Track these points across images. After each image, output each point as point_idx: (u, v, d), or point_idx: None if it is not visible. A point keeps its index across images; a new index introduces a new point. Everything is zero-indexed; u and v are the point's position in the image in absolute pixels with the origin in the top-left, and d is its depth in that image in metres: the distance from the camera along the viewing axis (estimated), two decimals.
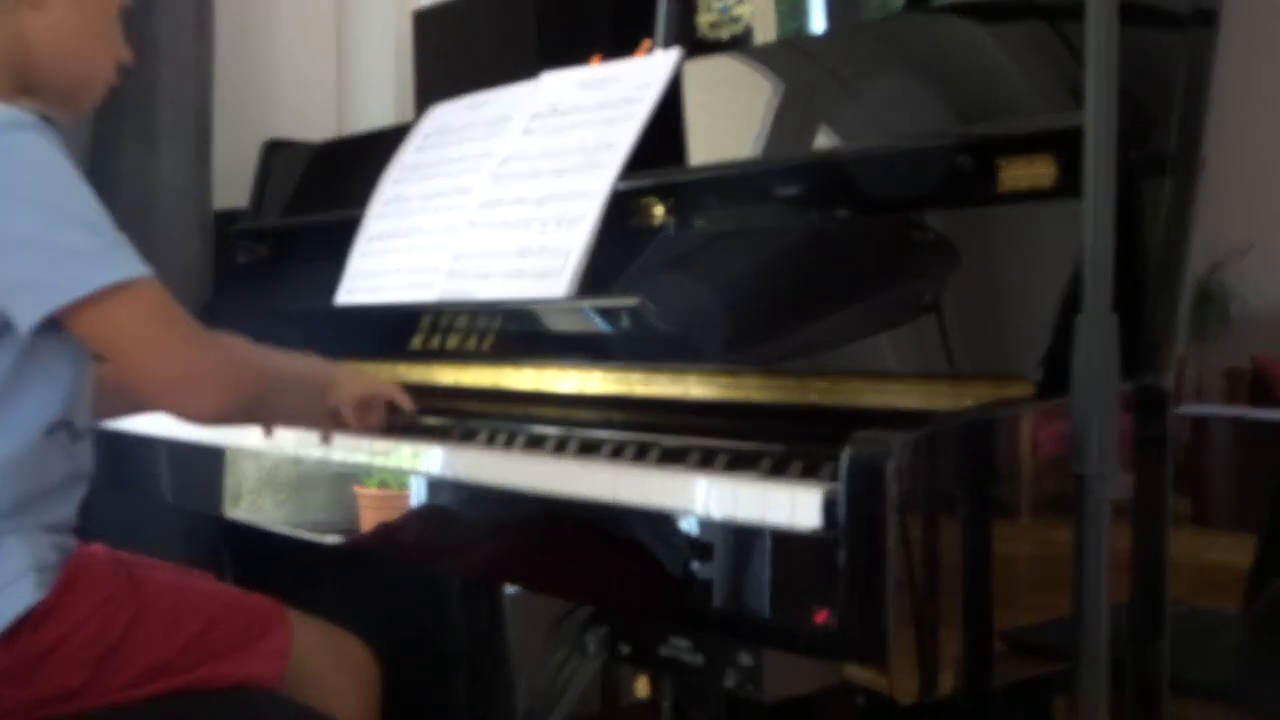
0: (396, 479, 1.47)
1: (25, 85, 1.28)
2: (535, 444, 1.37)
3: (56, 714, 1.21)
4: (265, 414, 1.39)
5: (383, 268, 1.77)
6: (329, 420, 1.42)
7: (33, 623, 1.19)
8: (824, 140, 1.43)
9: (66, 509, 1.29)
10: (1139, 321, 1.12)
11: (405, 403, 1.44)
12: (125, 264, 1.17)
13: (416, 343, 1.69)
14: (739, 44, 1.76)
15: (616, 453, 1.27)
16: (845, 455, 0.98)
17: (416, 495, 1.45)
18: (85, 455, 1.32)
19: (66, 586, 1.22)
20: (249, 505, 1.71)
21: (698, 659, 1.31)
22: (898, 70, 1.41)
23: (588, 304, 1.45)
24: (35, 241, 1.14)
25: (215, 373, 1.21)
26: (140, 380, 1.22)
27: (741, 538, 1.09)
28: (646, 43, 1.79)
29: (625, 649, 1.41)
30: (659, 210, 1.54)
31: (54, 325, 1.16)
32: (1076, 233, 1.00)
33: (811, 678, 1.28)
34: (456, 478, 1.38)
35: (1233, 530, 1.27)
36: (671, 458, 1.23)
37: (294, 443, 1.58)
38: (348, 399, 1.40)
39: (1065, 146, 1.17)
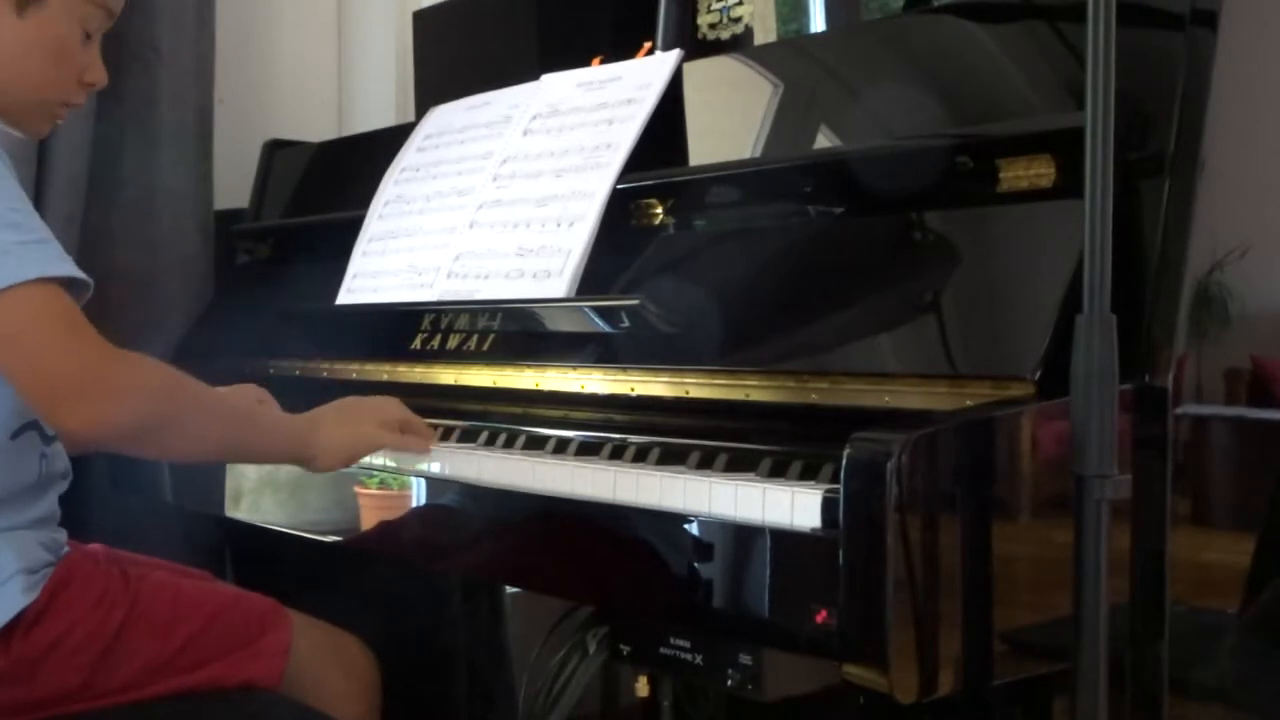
0: (397, 479, 1.47)
1: None
2: (535, 444, 1.37)
3: (54, 715, 1.21)
4: (185, 444, 1.26)
5: (383, 268, 1.77)
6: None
7: (26, 624, 1.18)
8: (824, 140, 1.43)
9: (48, 504, 1.27)
10: (1139, 321, 1.12)
11: (412, 443, 1.38)
12: (41, 263, 1.11)
13: (417, 343, 1.69)
14: (739, 44, 1.76)
15: (616, 453, 1.27)
16: (845, 455, 0.98)
17: (417, 495, 1.45)
18: (60, 456, 1.30)
19: (60, 587, 1.21)
20: (249, 505, 1.71)
21: (698, 659, 1.31)
22: (898, 70, 1.41)
23: (588, 304, 1.45)
24: None
25: (115, 384, 1.13)
26: (27, 385, 1.14)
27: (741, 538, 1.09)
28: (647, 44, 1.79)
29: (625, 649, 1.41)
30: (659, 210, 1.54)
31: None
32: (1076, 233, 1.00)
33: (811, 678, 1.28)
34: (456, 478, 1.38)
35: (1233, 530, 1.27)
36: (671, 458, 1.23)
37: None
38: (330, 467, 1.34)
39: (1065, 146, 1.17)
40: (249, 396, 1.43)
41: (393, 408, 1.39)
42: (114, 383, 1.13)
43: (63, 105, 1.32)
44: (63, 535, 1.28)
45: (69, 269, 1.13)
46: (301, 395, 1.49)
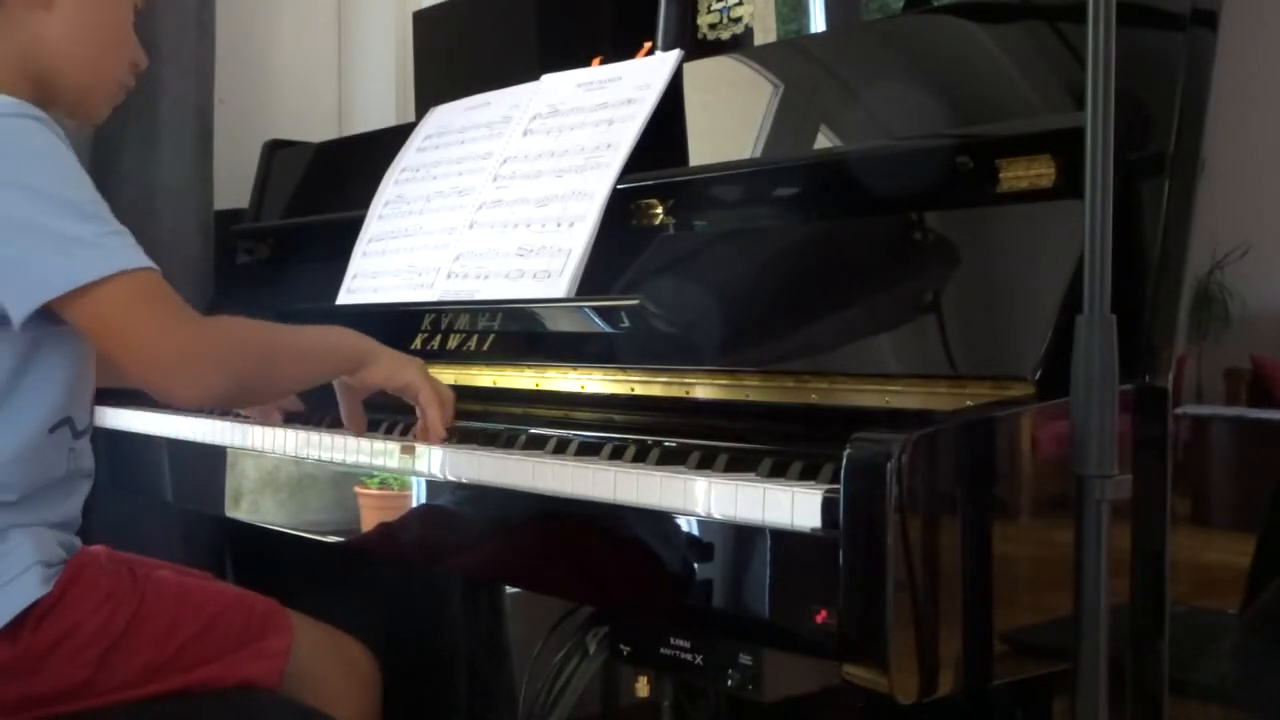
0: (397, 479, 1.47)
1: (42, 91, 1.27)
2: (535, 444, 1.37)
3: (57, 712, 1.21)
4: (276, 388, 1.38)
5: (383, 268, 1.77)
6: (354, 396, 1.42)
7: (35, 619, 1.19)
8: (824, 140, 1.43)
9: (71, 507, 1.29)
10: (1139, 321, 1.12)
11: (435, 425, 1.39)
12: (125, 254, 1.15)
13: (417, 343, 1.69)
14: (739, 44, 1.77)
15: (616, 453, 1.27)
16: (845, 455, 0.98)
17: (417, 495, 1.45)
18: (86, 453, 1.32)
19: (69, 584, 1.22)
20: (250, 505, 1.71)
21: (698, 659, 1.31)
22: (898, 70, 1.41)
23: (588, 304, 1.45)
24: (31, 227, 1.13)
25: (213, 353, 1.19)
26: (132, 363, 1.19)
27: (741, 538, 1.09)
28: (647, 44, 1.79)
29: (625, 649, 1.41)
30: (659, 210, 1.54)
31: (50, 318, 1.15)
32: (1076, 233, 1.00)
33: (811, 678, 1.28)
34: (456, 478, 1.38)
35: (1233, 530, 1.27)
36: (671, 458, 1.23)
37: (295, 443, 1.59)
38: (383, 379, 1.38)
39: (1065, 146, 1.17)
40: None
41: (443, 387, 1.42)
42: (212, 353, 1.20)
43: (121, 87, 1.36)
44: (77, 541, 1.30)
45: (144, 259, 1.17)
46: (301, 395, 1.50)
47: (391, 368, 1.38)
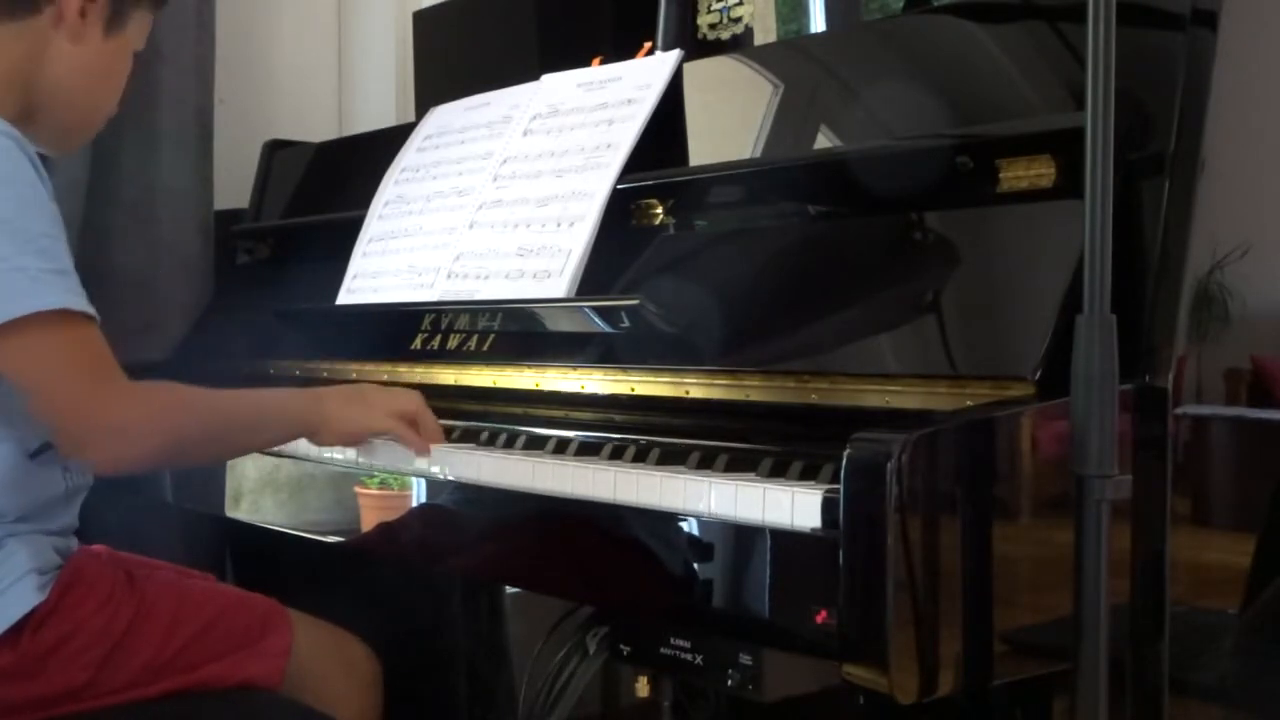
0: (397, 479, 1.47)
1: (27, 111, 1.25)
2: (535, 444, 1.37)
3: (59, 714, 1.21)
4: (210, 458, 1.36)
5: (383, 268, 1.77)
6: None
7: (34, 623, 1.19)
8: (824, 140, 1.43)
9: (69, 516, 1.29)
10: (1139, 321, 1.12)
11: (412, 440, 1.37)
12: (67, 294, 1.11)
13: (417, 343, 1.69)
14: (739, 44, 1.76)
15: (616, 453, 1.27)
16: (845, 455, 0.98)
17: (417, 495, 1.45)
18: (84, 471, 1.31)
19: (67, 587, 1.22)
20: (250, 505, 1.71)
21: (698, 659, 1.31)
22: (898, 70, 1.41)
23: (588, 304, 1.45)
24: None
25: (137, 428, 1.15)
26: (45, 416, 1.15)
27: (741, 538, 1.09)
28: (647, 44, 1.79)
29: (625, 649, 1.41)
30: (659, 210, 1.54)
31: None
32: (1076, 233, 1.00)
33: (811, 678, 1.28)
34: (456, 478, 1.38)
35: (1233, 530, 1.27)
36: (671, 458, 1.23)
37: (295, 442, 1.58)
38: (331, 441, 1.35)
39: (1065, 146, 1.17)
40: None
41: (409, 401, 1.38)
42: (133, 427, 1.15)
43: (98, 128, 1.36)
44: (74, 541, 1.30)
45: (85, 305, 1.14)
46: None
47: (345, 428, 1.34)
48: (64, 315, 1.11)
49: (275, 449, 1.61)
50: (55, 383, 1.12)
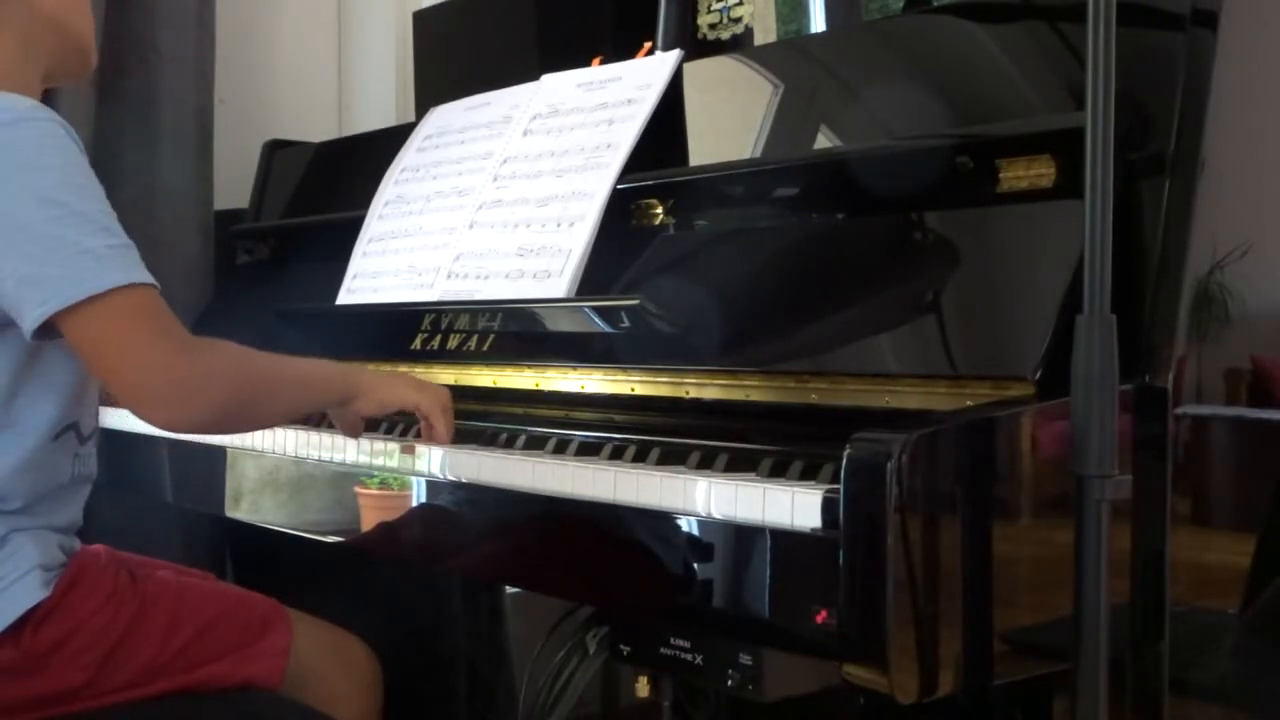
0: (397, 479, 1.47)
1: (56, 61, 1.29)
2: (535, 444, 1.37)
3: (58, 713, 1.21)
4: (260, 419, 1.36)
5: (383, 268, 1.77)
6: (354, 425, 1.42)
7: (36, 621, 1.19)
8: (824, 140, 1.43)
9: (73, 511, 1.30)
10: (1139, 321, 1.12)
11: (441, 432, 1.37)
12: (130, 269, 1.15)
13: (417, 343, 1.69)
14: (739, 44, 1.77)
15: (617, 453, 1.27)
16: (845, 455, 0.98)
17: (417, 495, 1.45)
18: (91, 458, 1.32)
19: (69, 586, 1.22)
20: (250, 505, 1.71)
21: (698, 659, 1.31)
22: (898, 70, 1.41)
23: (588, 304, 1.45)
24: (46, 237, 1.13)
25: (198, 381, 1.18)
26: (118, 382, 1.18)
27: (741, 538, 1.09)
28: (647, 44, 1.79)
29: (625, 649, 1.41)
30: (659, 210, 1.54)
31: (51, 331, 1.14)
32: (1076, 233, 1.00)
33: (811, 678, 1.28)
34: (456, 478, 1.38)
35: (1233, 530, 1.27)
36: (671, 458, 1.23)
37: (295, 443, 1.59)
38: (371, 408, 1.36)
39: (1065, 146, 1.17)
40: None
41: (443, 393, 1.40)
42: (199, 381, 1.18)
43: (94, 47, 1.38)
44: (77, 543, 1.30)
45: (146, 275, 1.17)
46: None
47: (383, 396, 1.35)
48: (130, 288, 1.15)
49: (276, 449, 1.61)
50: (123, 345, 1.15)
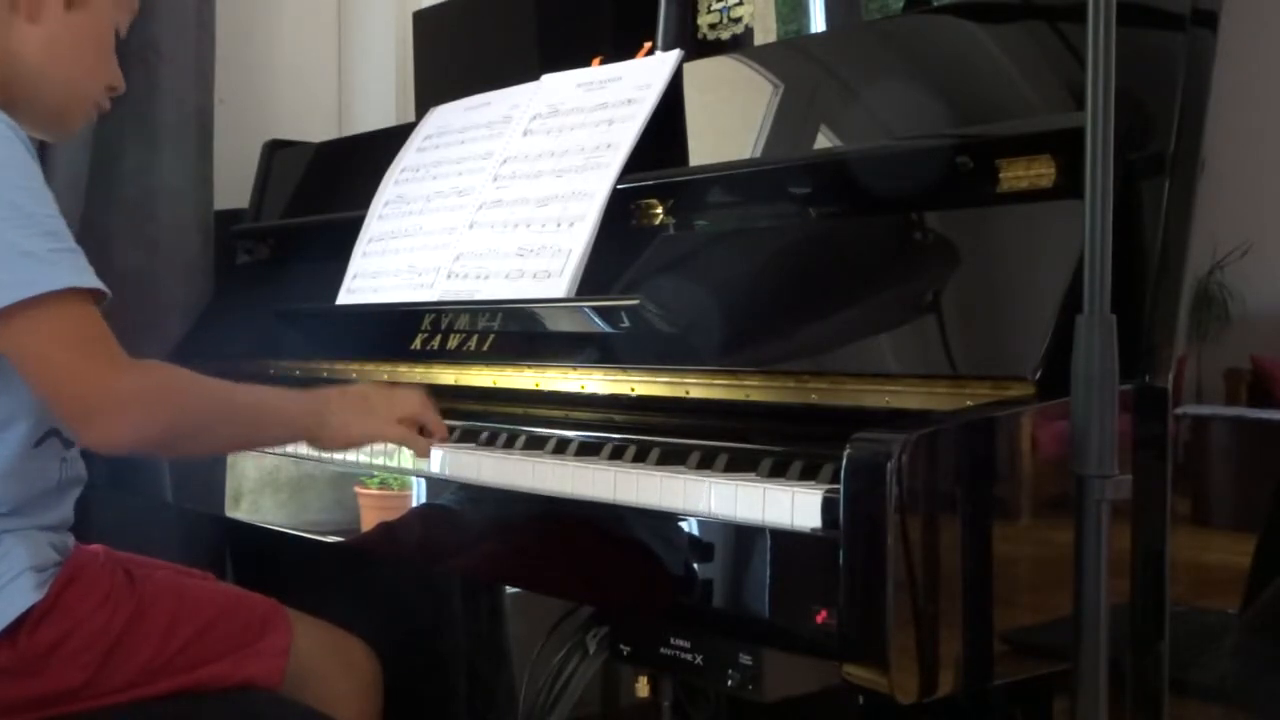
0: (397, 479, 1.47)
1: (9, 101, 1.24)
2: (535, 444, 1.37)
3: (57, 714, 1.21)
4: (206, 444, 1.31)
5: (383, 268, 1.77)
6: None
7: (32, 622, 1.19)
8: (824, 140, 1.43)
9: (63, 510, 1.29)
10: (1139, 321, 1.12)
11: (418, 446, 1.35)
12: (73, 272, 1.12)
13: (417, 343, 1.69)
14: (739, 44, 1.76)
15: (616, 453, 1.27)
16: (845, 455, 0.98)
17: (417, 495, 1.45)
18: (79, 461, 1.31)
19: (65, 586, 1.22)
20: (249, 505, 1.71)
21: (698, 659, 1.31)
22: (898, 70, 1.41)
23: (588, 304, 1.45)
24: None
25: (141, 398, 1.15)
26: (57, 398, 1.15)
27: (741, 538, 1.09)
28: (647, 44, 1.79)
29: (625, 649, 1.41)
30: (659, 210, 1.54)
31: None
32: (1076, 233, 1.00)
33: (811, 678, 1.28)
34: (456, 478, 1.38)
35: (1233, 530, 1.27)
36: (671, 458, 1.23)
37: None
38: (331, 447, 1.33)
39: (1065, 146, 1.17)
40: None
41: (412, 403, 1.36)
42: (133, 402, 1.14)
43: (95, 108, 1.34)
44: (71, 539, 1.29)
45: (94, 280, 1.14)
46: None
47: (350, 434, 1.31)
48: (69, 294, 1.11)
49: (276, 449, 1.61)
50: (57, 359, 1.12)
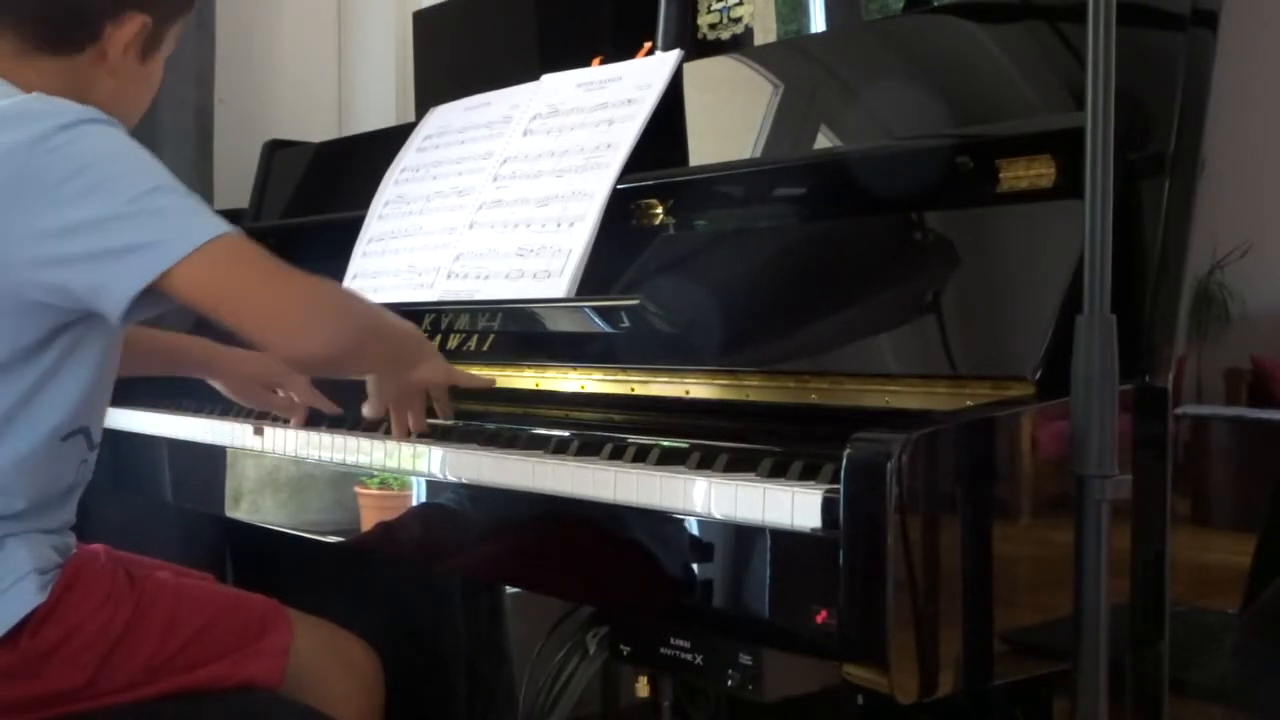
0: (397, 479, 1.47)
1: None
2: (535, 444, 1.37)
3: (58, 714, 1.21)
4: (369, 361, 1.35)
5: (383, 268, 1.77)
6: (402, 394, 1.40)
7: (34, 623, 1.19)
8: (824, 140, 1.43)
9: (67, 513, 1.29)
10: (1139, 321, 1.12)
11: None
12: (221, 221, 1.16)
13: None
14: (739, 44, 1.77)
15: (616, 453, 1.27)
16: (845, 455, 0.98)
17: (417, 495, 1.45)
18: (92, 465, 1.32)
19: (67, 587, 1.22)
20: (250, 505, 1.71)
21: (698, 659, 1.31)
22: (898, 70, 1.41)
23: (588, 304, 1.45)
24: (132, 213, 1.13)
25: (324, 311, 1.19)
26: (254, 321, 1.17)
27: (741, 538, 1.09)
28: (647, 44, 1.79)
29: (625, 649, 1.41)
30: (659, 210, 1.54)
31: (138, 306, 1.13)
32: (1076, 233, 1.00)
33: (811, 678, 1.28)
34: (456, 478, 1.38)
35: (1233, 530, 1.27)
36: (672, 458, 1.23)
37: (295, 443, 1.59)
38: (432, 378, 1.38)
39: (1065, 146, 1.17)
40: None
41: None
42: (327, 310, 1.20)
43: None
44: (73, 539, 1.30)
45: (232, 228, 1.18)
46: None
47: (440, 369, 1.39)
48: (228, 236, 1.15)
49: (276, 449, 1.61)
50: (250, 286, 1.16)
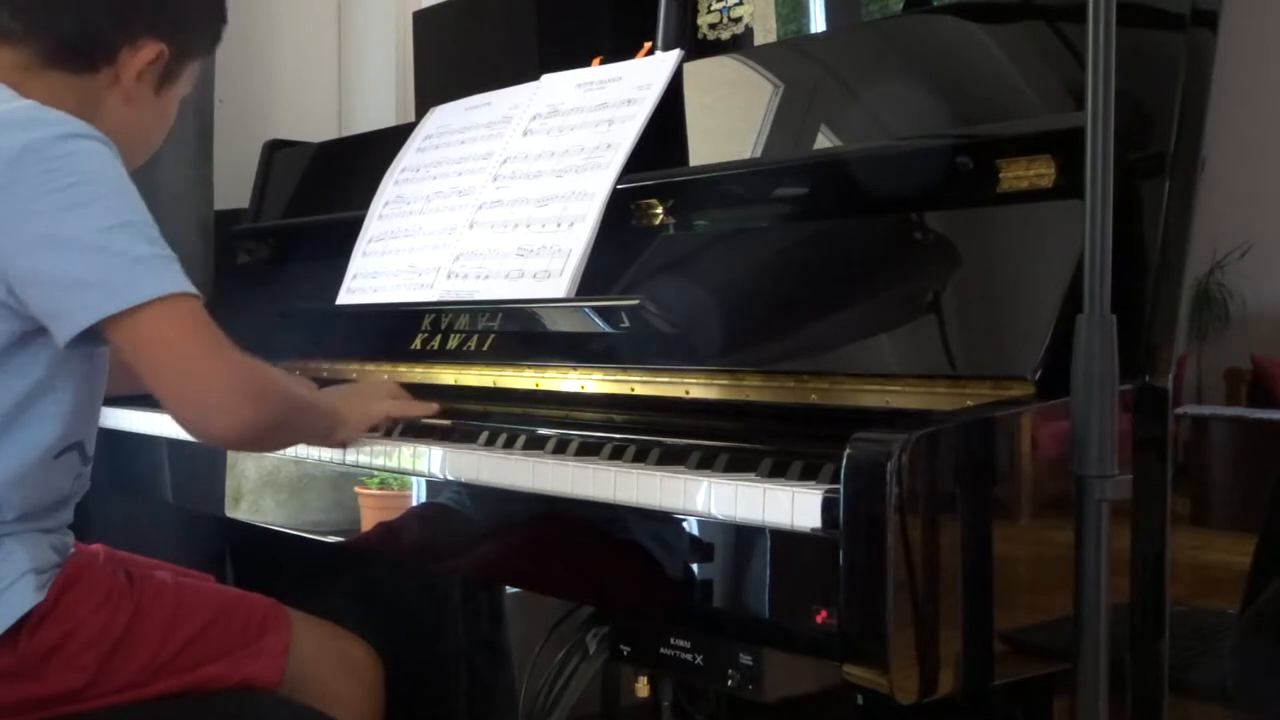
0: (397, 479, 1.47)
1: None
2: (535, 444, 1.37)
3: (58, 714, 1.21)
4: (282, 439, 1.36)
5: (383, 268, 1.77)
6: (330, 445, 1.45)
7: (33, 624, 1.19)
8: (824, 140, 1.43)
9: (66, 515, 1.29)
10: (1139, 321, 1.12)
11: (424, 411, 1.46)
12: (177, 278, 1.16)
13: (417, 343, 1.69)
14: (739, 44, 1.76)
15: (616, 453, 1.27)
16: (845, 455, 0.98)
17: (417, 495, 1.45)
18: (88, 478, 1.33)
19: (66, 587, 1.22)
20: (249, 505, 1.71)
21: (698, 659, 1.31)
22: (898, 70, 1.41)
23: (588, 304, 1.45)
24: (94, 246, 1.13)
25: (245, 394, 1.18)
26: (171, 390, 1.18)
27: (741, 538, 1.09)
28: (647, 44, 1.79)
29: (625, 649, 1.41)
30: (659, 210, 1.54)
31: (82, 339, 1.14)
32: (1076, 233, 1.00)
33: (811, 678, 1.28)
34: (456, 478, 1.38)
35: (1233, 530, 1.27)
36: (672, 458, 1.23)
37: None
38: (354, 435, 1.42)
39: (1065, 146, 1.17)
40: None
41: (387, 387, 1.49)
42: (255, 392, 1.19)
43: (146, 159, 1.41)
44: (71, 538, 1.30)
45: (190, 286, 1.18)
46: None
47: (364, 416, 1.43)
48: (179, 296, 1.15)
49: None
50: (187, 351, 1.16)
